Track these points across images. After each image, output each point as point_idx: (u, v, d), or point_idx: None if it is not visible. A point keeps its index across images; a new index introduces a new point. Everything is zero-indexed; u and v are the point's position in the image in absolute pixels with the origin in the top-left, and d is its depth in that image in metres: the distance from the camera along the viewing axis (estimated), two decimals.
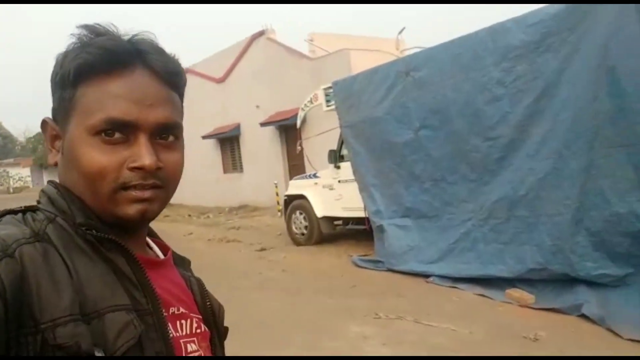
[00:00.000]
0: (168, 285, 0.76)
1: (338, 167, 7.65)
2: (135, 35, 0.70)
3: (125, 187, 0.66)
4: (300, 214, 8.41)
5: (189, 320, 0.75)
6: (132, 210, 0.67)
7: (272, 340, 4.24)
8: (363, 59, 11.09)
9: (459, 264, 5.54)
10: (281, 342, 4.17)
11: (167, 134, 0.70)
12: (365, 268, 6.62)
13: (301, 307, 5.20)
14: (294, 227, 8.61)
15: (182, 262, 0.87)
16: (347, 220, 7.92)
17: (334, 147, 7.73)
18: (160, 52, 0.71)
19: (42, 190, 0.72)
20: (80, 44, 0.68)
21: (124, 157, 0.66)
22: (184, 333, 0.73)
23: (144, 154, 0.66)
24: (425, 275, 5.82)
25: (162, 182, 0.69)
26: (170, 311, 0.72)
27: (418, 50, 6.82)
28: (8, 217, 0.66)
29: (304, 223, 8.37)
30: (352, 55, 11.50)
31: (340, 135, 7.30)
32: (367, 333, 4.30)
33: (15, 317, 0.55)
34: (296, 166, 13.07)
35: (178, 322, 0.73)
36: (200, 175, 17.61)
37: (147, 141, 0.67)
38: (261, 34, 14.78)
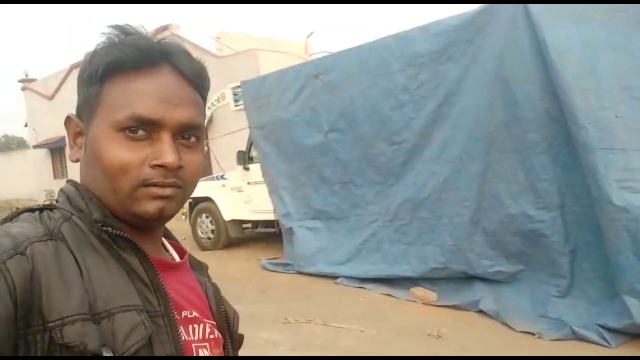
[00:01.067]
0: (182, 288, 0.75)
1: (247, 169, 7.47)
2: (163, 38, 0.72)
3: (146, 184, 0.66)
4: (207, 217, 8.11)
5: (201, 325, 0.74)
6: (151, 207, 0.66)
7: None
8: (272, 60, 11.02)
9: (366, 265, 5.65)
10: None
11: (190, 134, 0.70)
12: (275, 271, 6.53)
13: None
14: (199, 231, 8.28)
15: (199, 267, 0.86)
16: (256, 223, 7.77)
17: (243, 147, 7.55)
18: (188, 54, 0.72)
19: (61, 189, 0.73)
20: (109, 43, 0.68)
21: (146, 154, 0.66)
22: (196, 337, 0.72)
23: (166, 152, 0.66)
24: (334, 277, 5.87)
25: (181, 182, 0.68)
26: (183, 315, 0.72)
27: (326, 54, 6.89)
28: (25, 214, 0.66)
29: (211, 227, 8.07)
30: (260, 56, 11.38)
31: (250, 136, 7.15)
32: (276, 339, 4.22)
33: (24, 315, 0.55)
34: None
35: (190, 326, 0.72)
36: None
37: (170, 140, 0.67)
38: (165, 28, 14.13)
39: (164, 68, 0.69)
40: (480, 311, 4.53)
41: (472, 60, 4.71)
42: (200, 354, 0.71)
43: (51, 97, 18.75)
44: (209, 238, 8.14)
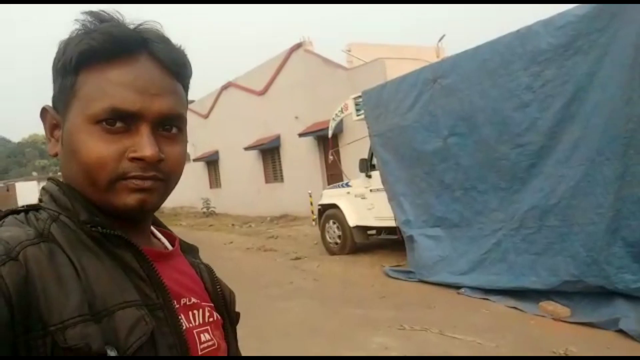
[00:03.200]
0: (178, 276, 0.75)
1: (369, 176, 7.61)
2: (141, 24, 0.68)
3: (125, 177, 0.64)
4: (334, 223, 8.41)
5: (201, 310, 0.74)
6: (131, 200, 0.65)
7: (291, 349, 4.25)
8: (399, 68, 11.01)
9: (490, 275, 5.37)
10: (299, 352, 4.18)
11: (171, 125, 0.68)
12: (397, 279, 6.53)
13: (327, 316, 5.19)
14: (327, 237, 8.62)
15: (190, 250, 0.85)
16: (380, 230, 7.84)
17: (366, 156, 7.71)
18: (166, 41, 0.69)
19: (44, 188, 0.71)
20: (83, 30, 0.65)
21: (124, 146, 0.64)
22: (196, 323, 0.72)
23: (145, 145, 0.64)
24: (457, 287, 5.68)
25: (162, 175, 0.67)
26: (182, 302, 0.71)
27: None
28: (10, 217, 0.65)
29: (337, 232, 8.36)
30: (387, 64, 11.45)
31: (371, 144, 7.27)
32: (389, 344, 4.24)
33: (22, 321, 0.54)
34: (334, 175, 13.11)
35: (190, 313, 0.72)
36: (243, 185, 18.03)
37: (149, 132, 0.65)
38: (299, 46, 14.99)
39: (141, 56, 0.66)
40: (620, 331, 4.02)
41: (604, 52, 4.24)
42: (202, 338, 0.72)
43: (206, 116, 21.00)
44: (336, 243, 8.43)
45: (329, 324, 4.93)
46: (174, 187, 0.71)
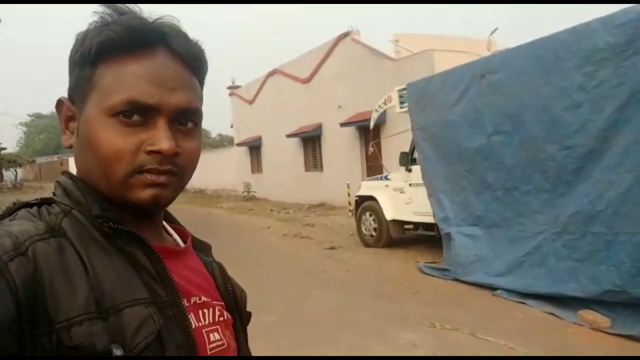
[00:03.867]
0: (188, 273, 0.74)
1: (409, 170, 7.53)
2: (159, 18, 0.68)
3: (141, 170, 0.64)
4: (370, 215, 8.39)
5: (211, 309, 0.73)
6: (145, 194, 0.65)
7: (319, 339, 4.30)
8: (448, 60, 10.75)
9: (528, 279, 5.22)
10: (327, 342, 4.22)
11: (187, 119, 0.68)
12: (431, 275, 6.46)
13: (358, 309, 5.20)
14: (363, 228, 8.61)
15: (202, 247, 0.84)
16: (417, 225, 7.77)
17: (407, 149, 7.62)
18: (184, 36, 0.69)
19: (57, 182, 0.70)
20: (102, 22, 0.66)
21: (141, 140, 0.64)
22: (206, 322, 0.72)
23: (162, 138, 0.64)
24: (492, 288, 5.56)
25: (178, 169, 0.66)
26: (192, 301, 0.71)
27: None
28: (23, 211, 0.65)
29: (374, 225, 8.34)
30: (435, 56, 11.21)
31: (412, 138, 7.17)
32: (417, 341, 4.22)
33: (29, 317, 0.54)
34: (373, 167, 13.04)
35: (200, 312, 0.71)
36: (283, 172, 18.21)
37: (166, 125, 0.65)
38: (346, 35, 14.89)
39: (160, 50, 0.66)
40: None
41: None
42: (212, 338, 0.71)
43: (251, 102, 21.25)
44: (372, 235, 8.40)
45: (359, 316, 4.94)
46: (187, 182, 0.71)
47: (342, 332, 4.49)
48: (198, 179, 27.19)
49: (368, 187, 8.62)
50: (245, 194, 19.98)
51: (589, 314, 4.56)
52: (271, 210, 15.91)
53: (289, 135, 17.30)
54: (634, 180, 4.23)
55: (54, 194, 0.70)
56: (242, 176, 21.60)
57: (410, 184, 7.52)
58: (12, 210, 0.66)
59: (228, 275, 0.83)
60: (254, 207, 16.98)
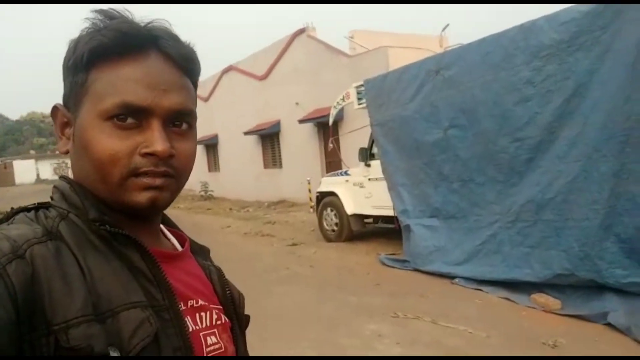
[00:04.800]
0: (186, 277, 0.74)
1: (368, 165, 7.66)
2: (150, 22, 0.69)
3: (137, 173, 0.64)
4: (331, 210, 8.48)
5: (208, 313, 0.74)
6: (142, 197, 0.65)
7: (286, 334, 4.34)
8: (402, 56, 10.98)
9: (484, 267, 5.45)
10: (294, 337, 4.26)
11: (181, 121, 0.69)
12: (392, 267, 6.61)
13: (322, 303, 5.27)
14: (325, 224, 8.70)
15: (200, 251, 0.85)
16: (377, 219, 7.92)
17: (366, 144, 7.75)
18: (176, 38, 0.69)
19: (55, 186, 0.71)
20: (93, 28, 0.66)
21: (136, 142, 0.64)
22: (203, 325, 0.72)
23: (157, 140, 0.64)
24: (451, 277, 5.76)
25: (173, 171, 0.67)
26: (189, 304, 0.71)
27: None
28: (21, 215, 0.66)
29: (335, 220, 8.44)
30: (390, 53, 11.42)
31: (371, 134, 7.31)
32: (382, 331, 4.33)
33: (27, 319, 0.54)
34: (333, 163, 13.16)
35: (197, 315, 0.72)
36: (242, 170, 18.05)
37: (160, 127, 0.65)
38: (302, 31, 14.92)
39: (151, 53, 0.67)
40: (609, 324, 4.11)
41: (606, 49, 4.27)
42: (209, 341, 0.71)
43: (207, 99, 20.94)
44: (333, 230, 8.50)
45: (325, 310, 5.01)
46: (184, 184, 0.71)
47: (309, 326, 4.55)
48: None
49: (328, 183, 8.71)
50: (202, 193, 19.69)
51: (541, 297, 4.81)
52: (230, 209, 15.76)
53: (246, 133, 17.17)
54: (580, 169, 4.49)
55: (51, 198, 0.71)
56: (199, 175, 21.26)
57: (369, 179, 7.66)
58: (10, 215, 0.66)
59: (226, 279, 0.84)
60: (213, 207, 16.76)
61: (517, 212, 5.17)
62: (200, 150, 21.98)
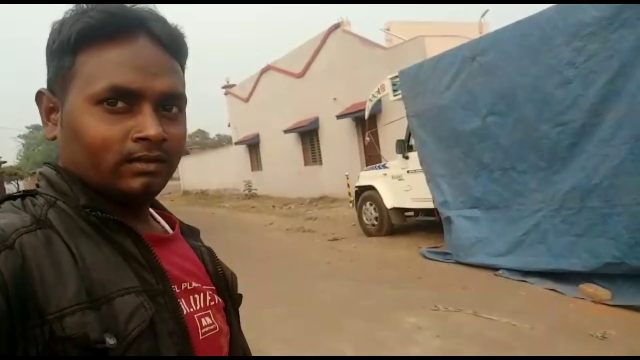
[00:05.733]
0: (178, 260, 0.74)
1: (406, 157, 7.56)
2: (135, 5, 0.67)
3: (130, 159, 0.63)
4: (371, 205, 8.43)
5: (202, 294, 0.73)
6: (136, 183, 0.64)
7: (326, 327, 4.36)
8: (440, 45, 10.73)
9: (528, 257, 5.27)
10: (334, 330, 4.27)
11: (171, 104, 0.67)
12: (434, 260, 6.51)
13: (363, 296, 5.26)
14: (364, 218, 8.66)
15: (190, 233, 0.84)
16: (417, 212, 7.81)
17: (403, 136, 7.65)
18: (164, 20, 0.68)
19: (40, 173, 0.69)
20: (79, 10, 0.65)
21: (128, 127, 0.63)
22: (197, 307, 0.72)
23: (149, 124, 0.63)
24: (494, 268, 5.61)
25: (166, 155, 0.66)
26: (183, 287, 0.71)
27: None
28: (7, 203, 0.64)
29: (374, 214, 8.38)
30: (427, 42, 11.21)
31: (408, 125, 7.21)
32: (422, 324, 4.27)
33: (19, 310, 0.53)
34: (372, 157, 13.06)
35: (191, 297, 0.71)
36: (283, 168, 18.25)
37: (152, 111, 0.64)
38: (337, 26, 14.88)
39: (140, 35, 0.65)
40: None
41: None
42: (203, 322, 0.71)
43: (247, 100, 21.26)
44: (373, 225, 8.46)
45: (364, 304, 5.00)
46: (176, 168, 0.71)
47: (348, 319, 4.55)
48: (199, 180, 27.29)
49: (367, 177, 8.66)
50: (246, 192, 20.03)
51: (589, 288, 4.61)
52: (273, 206, 15.96)
53: (286, 131, 17.32)
54: (627, 152, 4.26)
55: (37, 185, 0.69)
56: (243, 174, 21.65)
57: (408, 171, 7.56)
58: None
59: (217, 259, 0.84)
60: (256, 205, 17.03)
61: (561, 200, 4.97)
62: (242, 150, 22.39)
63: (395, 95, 7.45)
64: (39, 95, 0.70)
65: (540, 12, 5.04)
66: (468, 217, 6.12)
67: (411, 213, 8.07)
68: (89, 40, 0.64)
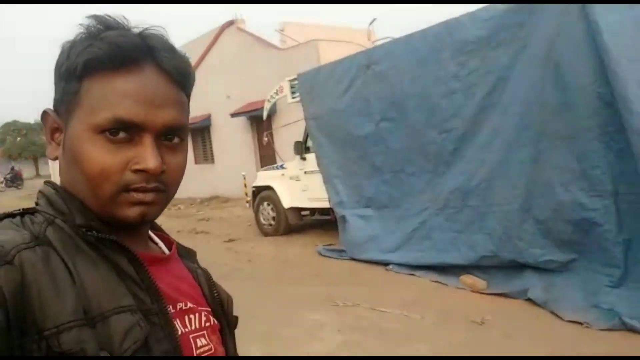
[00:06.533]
0: (174, 280, 0.74)
1: (304, 159, 7.75)
2: (146, 29, 0.67)
3: (127, 189, 0.64)
4: (268, 204, 8.49)
5: (197, 315, 0.74)
6: (132, 212, 0.65)
7: None
8: (332, 50, 11.15)
9: (416, 252, 5.71)
10: (237, 330, 4.26)
11: (173, 135, 0.68)
12: (330, 257, 6.76)
13: (263, 296, 5.30)
14: (262, 218, 8.69)
15: (187, 254, 0.85)
16: (313, 211, 8.04)
17: (301, 138, 7.82)
18: (172, 50, 0.68)
19: (40, 191, 0.70)
20: (88, 35, 0.65)
21: (127, 157, 0.64)
22: (192, 328, 0.72)
23: (149, 157, 0.64)
24: (385, 264, 5.99)
25: (164, 186, 0.67)
26: (178, 307, 0.71)
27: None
28: (6, 220, 0.65)
29: (272, 214, 8.45)
30: (320, 47, 11.56)
31: (305, 127, 7.39)
32: (323, 320, 4.43)
33: (17, 325, 0.54)
34: (267, 157, 13.13)
35: (187, 317, 0.72)
36: None
37: (152, 143, 0.65)
38: (231, 23, 14.70)
39: (147, 66, 0.66)
40: (529, 300, 4.48)
41: (523, 45, 4.60)
42: (198, 343, 0.72)
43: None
44: (270, 224, 8.52)
45: (265, 303, 5.04)
46: (174, 195, 0.72)
47: (251, 320, 4.52)
48: None
49: (264, 177, 8.70)
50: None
51: (469, 279, 5.13)
52: None
53: None
54: (501, 158, 4.82)
55: (36, 203, 0.70)
56: None
57: (305, 172, 7.75)
58: None
59: (213, 281, 0.85)
60: None
61: (445, 200, 5.47)
62: None
63: (293, 98, 7.59)
64: (45, 115, 0.71)
65: (429, 28, 5.50)
66: (362, 216, 6.45)
67: (307, 212, 8.28)
68: (95, 69, 0.64)
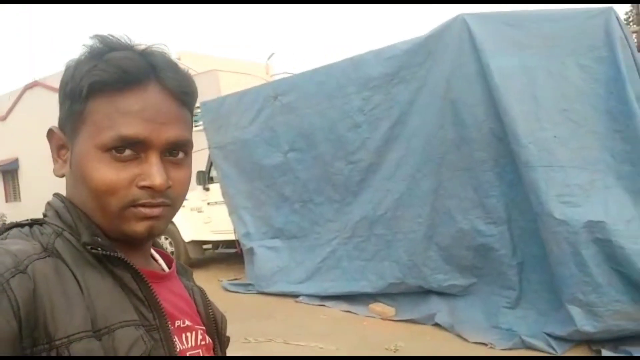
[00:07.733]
0: (173, 298, 0.76)
1: (207, 189, 7.49)
2: (149, 47, 0.70)
3: (134, 204, 0.66)
4: (166, 239, 8.00)
5: (194, 333, 0.76)
6: (139, 227, 0.67)
7: None
8: (232, 81, 11.10)
9: (325, 282, 5.73)
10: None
11: (177, 150, 0.70)
12: (236, 292, 6.51)
13: None
14: None
15: (184, 272, 0.87)
16: (216, 244, 7.75)
17: (203, 168, 7.57)
18: (175, 68, 0.70)
19: (49, 203, 0.72)
20: (92, 55, 0.67)
21: (134, 174, 0.66)
22: (189, 345, 0.74)
23: (154, 173, 0.66)
24: (295, 295, 5.92)
25: (170, 201, 0.69)
26: (176, 324, 0.73)
27: (287, 75, 7.04)
28: (15, 230, 0.67)
29: (170, 248, 7.98)
30: (221, 77, 11.44)
31: (209, 156, 7.18)
32: None
33: (29, 333, 0.56)
34: None
35: (184, 335, 0.74)
36: (48, 197, 15.98)
37: (158, 159, 0.67)
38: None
39: (150, 85, 0.68)
40: (437, 324, 4.67)
41: (423, 83, 4.94)
42: None
43: (4, 118, 18.14)
44: None
45: None
46: (179, 208, 0.74)
47: None
48: None
49: None
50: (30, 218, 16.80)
51: (378, 306, 5.25)
52: None
53: None
54: (405, 188, 5.07)
55: (44, 215, 0.72)
56: None
57: (208, 203, 7.48)
58: (2, 231, 0.68)
59: (209, 300, 0.87)
60: None
61: (352, 229, 5.58)
62: None
63: (196, 126, 7.35)
64: (50, 133, 0.73)
65: (335, 63, 5.71)
66: (270, 247, 6.35)
67: (209, 246, 7.95)
68: (99, 90, 0.66)
